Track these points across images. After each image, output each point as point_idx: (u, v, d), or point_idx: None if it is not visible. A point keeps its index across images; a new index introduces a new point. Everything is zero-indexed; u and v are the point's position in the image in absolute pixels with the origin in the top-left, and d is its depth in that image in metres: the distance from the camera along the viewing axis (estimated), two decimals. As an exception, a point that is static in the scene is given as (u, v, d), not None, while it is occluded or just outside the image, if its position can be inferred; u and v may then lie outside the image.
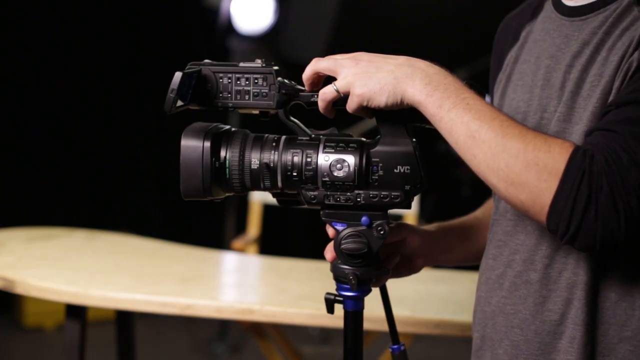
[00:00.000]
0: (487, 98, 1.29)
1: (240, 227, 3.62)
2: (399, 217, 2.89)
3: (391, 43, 2.59)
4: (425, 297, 2.15)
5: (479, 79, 1.37)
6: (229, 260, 2.77)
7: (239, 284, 2.42)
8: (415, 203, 3.04)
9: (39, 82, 4.37)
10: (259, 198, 3.18)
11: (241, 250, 2.95)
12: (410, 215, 3.02)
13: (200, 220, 4.60)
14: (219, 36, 4.23)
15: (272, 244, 3.70)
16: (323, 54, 1.10)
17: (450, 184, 4.53)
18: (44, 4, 4.29)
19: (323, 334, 4.11)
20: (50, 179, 4.42)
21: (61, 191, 4.47)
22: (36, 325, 4.10)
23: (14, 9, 4.25)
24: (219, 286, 2.38)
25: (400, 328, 1.95)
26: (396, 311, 1.90)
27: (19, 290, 2.09)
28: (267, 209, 3.25)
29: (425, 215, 3.85)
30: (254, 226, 3.18)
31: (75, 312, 2.20)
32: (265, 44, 4.30)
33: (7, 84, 4.27)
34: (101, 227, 2.99)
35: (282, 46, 4.45)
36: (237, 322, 3.16)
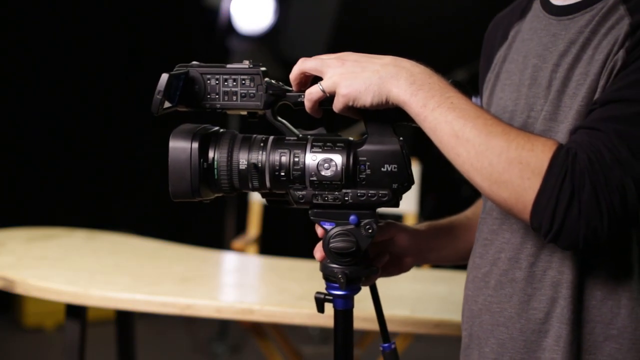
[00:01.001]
0: (477, 100, 1.29)
1: (240, 227, 3.62)
2: (399, 217, 2.89)
3: (391, 43, 2.59)
4: (424, 297, 2.14)
5: (479, 79, 1.37)
6: (229, 260, 2.76)
7: (239, 284, 2.41)
8: (415, 203, 3.05)
9: (39, 82, 4.38)
10: (259, 198, 3.17)
11: (241, 250, 2.95)
12: (410, 215, 3.01)
13: (200, 220, 4.60)
14: (219, 36, 4.23)
15: (272, 244, 3.70)
16: (323, 54, 1.10)
17: (450, 184, 4.52)
18: (44, 4, 4.30)
19: (323, 334, 4.10)
20: (50, 179, 4.43)
21: (61, 191, 4.48)
22: (36, 325, 4.11)
23: (14, 9, 4.26)
24: (219, 286, 2.38)
25: (399, 328, 1.96)
26: (395, 311, 1.92)
27: (19, 290, 2.10)
28: (267, 209, 3.25)
29: (425, 215, 3.85)
30: (254, 226, 3.18)
31: (75, 312, 2.21)
32: (265, 44, 4.30)
33: (7, 84, 4.28)
34: (101, 227, 2.99)
35: (282, 46, 4.45)
36: (237, 322, 3.16)
